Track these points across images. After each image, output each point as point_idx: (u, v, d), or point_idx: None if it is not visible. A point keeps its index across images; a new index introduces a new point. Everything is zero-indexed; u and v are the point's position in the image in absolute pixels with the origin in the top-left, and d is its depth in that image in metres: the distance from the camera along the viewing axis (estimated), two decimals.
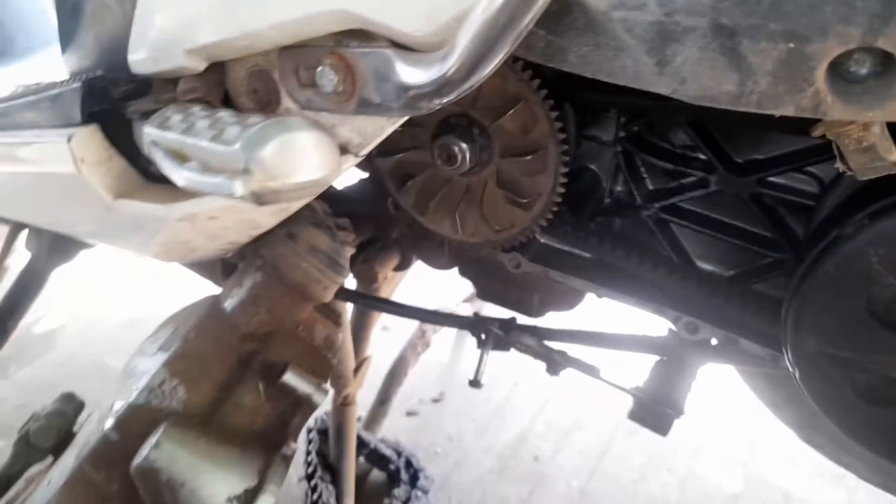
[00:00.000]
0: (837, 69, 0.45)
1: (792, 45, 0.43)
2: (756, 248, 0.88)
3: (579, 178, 0.95)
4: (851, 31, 0.41)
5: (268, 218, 0.72)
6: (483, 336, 1.02)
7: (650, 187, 0.94)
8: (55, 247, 1.25)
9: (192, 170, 0.52)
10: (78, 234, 0.92)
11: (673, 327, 0.90)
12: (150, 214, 0.70)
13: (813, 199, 0.82)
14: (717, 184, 0.86)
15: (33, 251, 1.28)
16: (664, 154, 0.92)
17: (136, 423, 0.65)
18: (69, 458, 0.66)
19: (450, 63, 0.50)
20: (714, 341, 0.92)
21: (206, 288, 0.99)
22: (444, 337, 1.67)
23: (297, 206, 0.71)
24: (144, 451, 0.61)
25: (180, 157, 0.56)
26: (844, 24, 0.41)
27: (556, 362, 0.98)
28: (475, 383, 1.05)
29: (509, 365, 1.71)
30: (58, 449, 0.71)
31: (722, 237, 0.90)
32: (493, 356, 1.75)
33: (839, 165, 0.58)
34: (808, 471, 1.30)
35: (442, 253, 1.06)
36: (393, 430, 1.50)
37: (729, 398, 1.49)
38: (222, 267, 1.00)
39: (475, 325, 1.03)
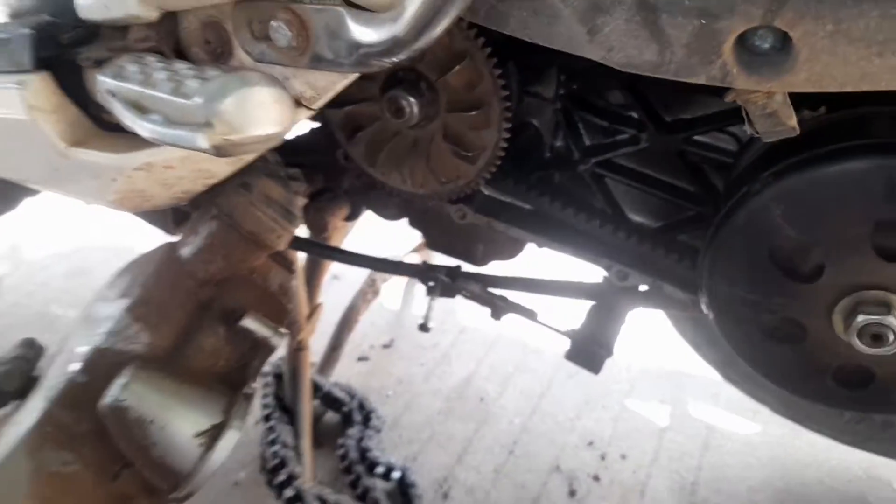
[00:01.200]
0: (744, 43, 0.50)
1: (704, 21, 0.48)
2: (682, 201, 0.96)
3: (522, 134, 1.00)
4: (753, 11, 0.47)
5: (223, 168, 0.75)
6: (431, 283, 1.08)
7: (587, 143, 1.00)
8: None
9: (156, 122, 0.54)
10: (27, 180, 0.92)
11: (606, 274, 0.98)
12: (105, 163, 0.71)
13: (732, 157, 0.90)
14: (648, 141, 0.92)
15: None
16: (600, 112, 0.97)
17: (103, 365, 0.68)
18: (37, 401, 0.69)
19: (400, 24, 0.53)
20: (643, 288, 0.99)
21: (153, 237, 1.01)
22: (394, 286, 1.72)
23: (252, 156, 0.74)
24: (114, 390, 0.64)
25: (140, 109, 0.58)
26: (748, 5, 0.46)
27: (498, 307, 1.04)
28: (424, 328, 1.11)
29: (456, 313, 1.78)
30: (22, 392, 0.74)
31: (651, 191, 0.97)
32: (441, 304, 1.82)
33: (747, 128, 0.65)
34: (727, 406, 1.43)
35: (391, 204, 1.10)
36: (345, 375, 1.56)
37: (659, 343, 1.60)
38: (173, 216, 1.01)
39: (423, 272, 1.08)
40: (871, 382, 0.74)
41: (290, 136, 1.08)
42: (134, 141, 0.71)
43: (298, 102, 0.67)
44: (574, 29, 0.53)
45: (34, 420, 0.68)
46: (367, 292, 1.62)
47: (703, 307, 0.81)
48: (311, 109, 0.68)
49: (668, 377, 1.52)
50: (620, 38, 0.52)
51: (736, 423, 1.39)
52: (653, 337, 1.60)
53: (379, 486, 1.29)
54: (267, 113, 0.55)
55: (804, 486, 1.25)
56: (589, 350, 1.00)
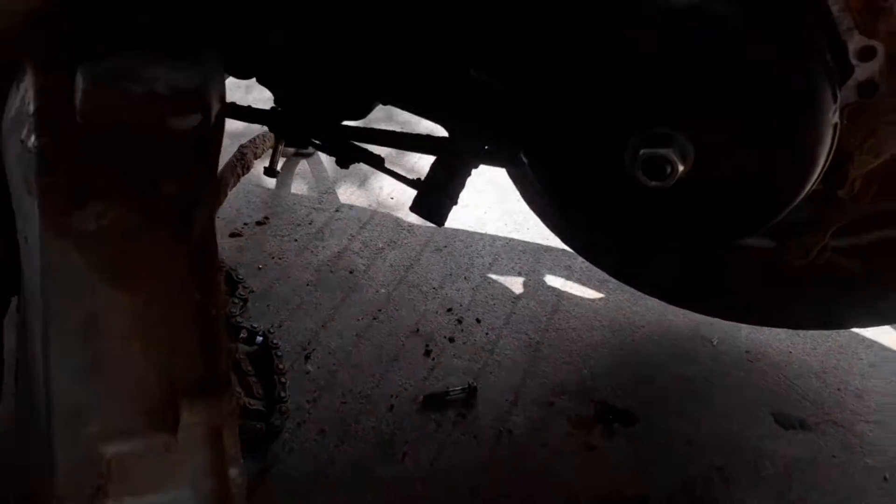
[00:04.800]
0: None
1: None
2: None
3: None
4: None
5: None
6: (281, 130, 1.08)
7: None
8: None
9: None
10: None
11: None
12: None
13: None
14: None
15: None
16: None
17: None
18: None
19: None
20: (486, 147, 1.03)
21: None
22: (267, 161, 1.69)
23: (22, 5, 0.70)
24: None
25: None
26: None
27: (346, 154, 1.05)
28: (271, 171, 1.10)
29: (335, 193, 1.79)
30: None
31: None
32: (320, 184, 1.82)
33: None
34: (579, 278, 1.53)
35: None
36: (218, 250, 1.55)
37: (520, 220, 1.68)
38: None
39: (274, 118, 1.07)
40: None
41: None
42: None
43: None
44: None
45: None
46: (237, 165, 1.59)
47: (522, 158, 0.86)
48: None
49: (528, 252, 1.60)
50: None
51: (584, 292, 1.50)
52: (518, 215, 1.68)
53: (242, 350, 1.32)
54: None
55: (637, 344, 1.38)
56: (434, 200, 1.03)
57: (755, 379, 1.30)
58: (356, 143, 1.07)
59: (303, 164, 1.88)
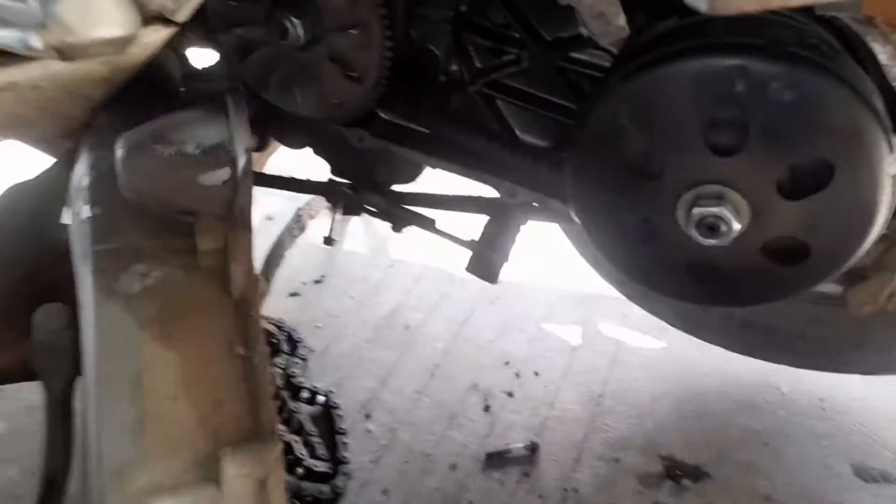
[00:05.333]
0: None
1: None
2: (563, 118, 1.00)
3: (421, 59, 1.03)
4: None
5: (95, 90, 0.76)
6: (335, 199, 1.12)
7: (477, 66, 1.02)
8: None
9: None
10: None
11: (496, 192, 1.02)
12: None
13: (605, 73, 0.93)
14: (529, 60, 0.95)
15: None
16: (486, 33, 1.00)
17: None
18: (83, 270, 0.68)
19: None
20: (535, 204, 1.04)
21: None
22: (324, 224, 1.74)
23: (123, 75, 0.75)
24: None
25: None
26: None
27: (399, 219, 1.08)
28: (329, 241, 1.13)
29: (387, 249, 1.83)
30: None
31: (537, 110, 1.01)
32: (372, 241, 1.86)
33: (583, 30, 0.68)
34: (637, 327, 1.50)
35: (294, 132, 1.12)
36: (277, 310, 1.60)
37: (575, 269, 1.67)
38: None
39: (328, 189, 1.11)
40: (719, 275, 0.80)
41: (198, 65, 1.11)
42: None
43: (162, 17, 0.70)
44: None
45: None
46: (294, 228, 1.65)
47: (573, 215, 0.86)
48: (176, 23, 0.70)
49: (582, 301, 1.59)
50: None
51: (643, 341, 1.47)
52: (570, 264, 1.67)
53: (304, 410, 1.34)
54: (105, 15, 0.57)
55: (702, 394, 1.34)
56: (486, 258, 1.04)
57: (830, 428, 1.25)
58: (409, 206, 1.09)
59: (355, 221, 1.93)
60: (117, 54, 0.60)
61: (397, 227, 1.09)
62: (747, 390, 1.34)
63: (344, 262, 1.79)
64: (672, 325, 1.35)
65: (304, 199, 1.82)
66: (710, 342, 1.31)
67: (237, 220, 0.72)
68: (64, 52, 0.56)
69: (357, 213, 1.12)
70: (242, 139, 0.74)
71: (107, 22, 0.57)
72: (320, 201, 1.77)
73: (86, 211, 0.71)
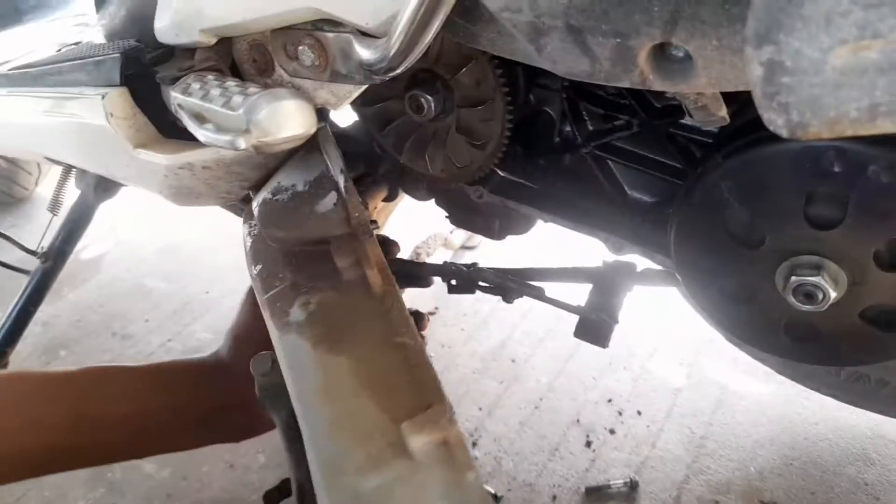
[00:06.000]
0: (663, 52, 0.62)
1: (619, 40, 0.61)
2: (672, 178, 1.07)
3: (537, 120, 1.13)
4: (654, 32, 0.59)
5: (252, 172, 0.92)
6: (453, 281, 1.23)
7: (590, 129, 1.12)
8: (99, 185, 1.47)
9: (210, 129, 0.72)
10: (113, 176, 1.10)
11: (604, 260, 1.11)
12: (159, 162, 0.89)
13: (713, 138, 1.00)
14: (639, 126, 1.04)
15: (81, 188, 1.50)
16: (599, 100, 1.09)
17: None
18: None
19: (390, 46, 0.69)
20: (638, 268, 1.12)
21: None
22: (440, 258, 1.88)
23: (276, 161, 0.91)
24: None
25: (199, 118, 0.76)
26: (648, 27, 0.59)
27: (510, 292, 1.19)
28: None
29: None
30: None
31: (646, 171, 1.09)
32: None
33: (687, 119, 0.76)
34: (744, 370, 1.52)
35: (421, 186, 1.26)
36: None
37: (683, 311, 1.70)
38: None
39: (446, 271, 1.23)
40: (817, 336, 0.85)
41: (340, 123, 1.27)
42: (182, 146, 0.89)
43: (325, 107, 0.85)
44: (527, 47, 0.67)
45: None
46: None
47: (676, 275, 0.93)
48: (336, 110, 0.85)
49: (689, 342, 1.62)
50: (560, 54, 0.65)
51: (749, 385, 1.48)
52: (677, 306, 1.70)
53: None
54: (292, 120, 0.71)
55: (809, 442, 1.34)
56: (595, 323, 1.12)
57: None
58: (513, 277, 1.19)
59: (469, 256, 2.05)
60: (294, 145, 0.75)
61: (508, 300, 1.19)
62: (858, 441, 1.33)
63: (455, 296, 1.91)
64: (779, 372, 1.37)
65: (420, 236, 1.97)
66: (819, 392, 1.32)
67: (359, 231, 0.83)
68: (259, 149, 0.71)
69: (471, 292, 1.23)
70: (337, 164, 0.85)
71: (292, 125, 0.72)
72: (436, 238, 1.92)
73: (253, 270, 0.86)
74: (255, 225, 0.91)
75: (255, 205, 0.86)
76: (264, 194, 0.87)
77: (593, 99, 1.09)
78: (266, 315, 0.80)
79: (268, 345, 0.80)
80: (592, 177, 1.13)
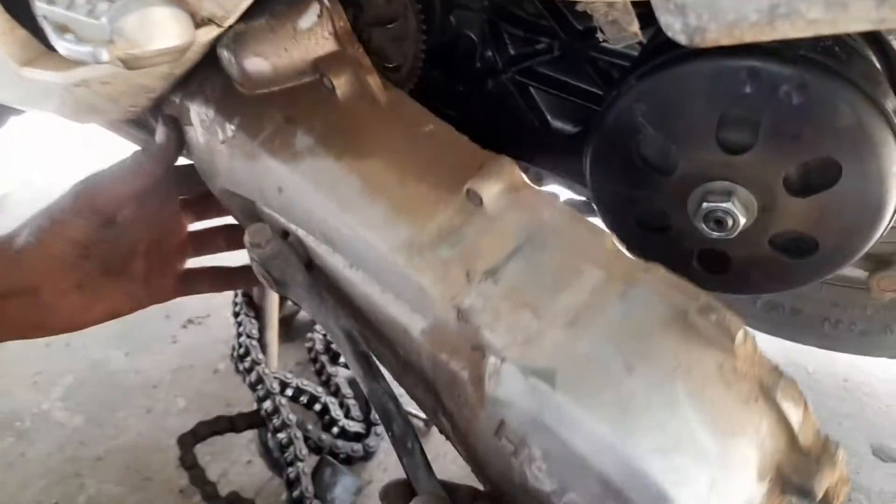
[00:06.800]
0: None
1: None
2: (594, 106, 1.03)
3: (458, 44, 1.07)
4: None
5: (157, 82, 0.84)
6: None
7: (511, 52, 1.06)
8: None
9: (69, 41, 0.64)
10: (6, 100, 1.00)
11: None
12: (52, 80, 0.81)
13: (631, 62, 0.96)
14: (560, 49, 0.99)
15: None
16: (520, 22, 1.04)
17: None
18: None
19: None
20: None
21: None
22: None
23: (181, 69, 0.83)
24: None
25: (63, 30, 0.67)
26: None
27: None
28: None
29: None
30: None
31: (568, 97, 1.05)
32: None
33: (599, 35, 0.72)
34: None
35: None
36: None
37: None
38: None
39: None
40: (728, 265, 0.84)
41: None
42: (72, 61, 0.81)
43: (212, 21, 0.77)
44: None
45: None
46: None
47: (593, 203, 0.91)
48: (224, 27, 0.77)
49: None
50: None
51: None
52: None
53: (341, 374, 1.44)
54: (164, 29, 0.63)
55: None
56: None
57: (853, 409, 1.27)
58: None
59: None
60: (174, 62, 0.68)
61: None
62: None
63: None
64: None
65: None
66: None
67: (346, 42, 0.81)
68: (128, 63, 0.63)
69: None
70: None
71: (164, 35, 0.64)
72: None
73: (229, 130, 0.80)
74: (211, 96, 0.84)
75: (224, 42, 0.78)
76: (237, 27, 0.79)
77: (514, 20, 1.04)
78: (265, 158, 0.75)
79: (79, 249, 0.81)
80: (514, 105, 1.09)
